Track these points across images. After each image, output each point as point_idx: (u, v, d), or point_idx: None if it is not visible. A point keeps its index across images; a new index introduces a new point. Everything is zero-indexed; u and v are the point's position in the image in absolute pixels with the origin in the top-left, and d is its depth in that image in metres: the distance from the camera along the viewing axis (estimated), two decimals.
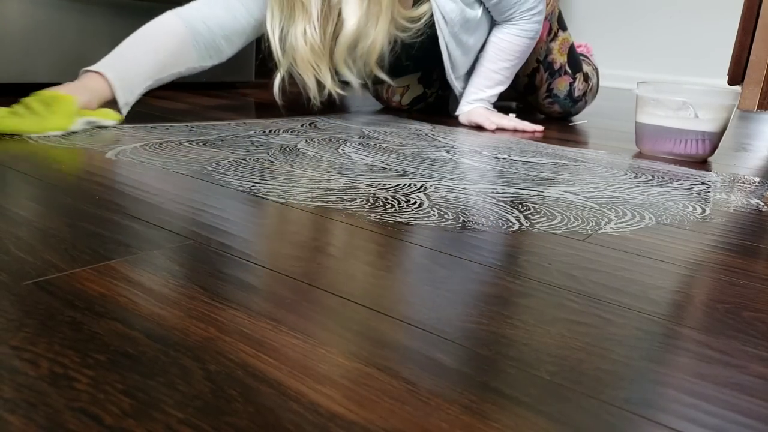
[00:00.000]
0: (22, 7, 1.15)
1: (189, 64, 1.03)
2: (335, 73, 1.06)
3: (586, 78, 1.41)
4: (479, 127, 1.22)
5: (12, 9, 1.14)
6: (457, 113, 1.27)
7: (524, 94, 1.43)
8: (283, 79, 1.05)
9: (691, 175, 0.88)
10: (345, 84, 1.10)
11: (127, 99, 0.94)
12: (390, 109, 1.41)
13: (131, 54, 0.97)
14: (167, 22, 1.00)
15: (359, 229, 0.51)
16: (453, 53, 1.20)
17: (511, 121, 1.22)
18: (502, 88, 1.27)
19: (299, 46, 1.00)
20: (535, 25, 1.19)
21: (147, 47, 0.98)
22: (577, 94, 1.40)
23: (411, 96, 1.41)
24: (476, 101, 1.24)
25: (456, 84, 1.27)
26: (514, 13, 1.17)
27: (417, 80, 1.39)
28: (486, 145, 1.00)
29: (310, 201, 0.59)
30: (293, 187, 0.63)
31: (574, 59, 1.39)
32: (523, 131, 1.21)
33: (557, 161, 0.90)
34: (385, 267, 0.43)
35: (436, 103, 1.45)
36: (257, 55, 1.56)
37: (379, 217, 0.55)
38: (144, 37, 0.99)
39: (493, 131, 1.19)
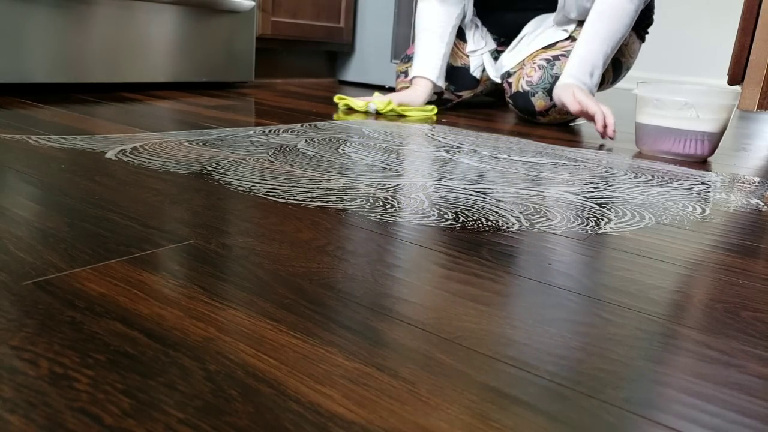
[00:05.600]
0: (17, 6, 1.15)
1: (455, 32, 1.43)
2: None
3: None
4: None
5: (6, 8, 1.14)
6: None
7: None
8: None
9: (691, 175, 0.88)
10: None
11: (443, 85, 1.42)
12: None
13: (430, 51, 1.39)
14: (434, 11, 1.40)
15: (359, 229, 0.51)
16: None
17: (597, 105, 1.14)
18: (597, 71, 1.22)
19: None
20: None
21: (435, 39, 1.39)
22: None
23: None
24: (570, 77, 1.22)
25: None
26: None
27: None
28: (486, 145, 1.00)
29: (310, 201, 0.59)
30: (293, 187, 0.63)
31: None
32: (596, 122, 1.14)
33: (557, 161, 0.90)
34: (385, 267, 0.43)
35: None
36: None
37: (379, 217, 0.55)
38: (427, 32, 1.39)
39: (575, 113, 1.18)
